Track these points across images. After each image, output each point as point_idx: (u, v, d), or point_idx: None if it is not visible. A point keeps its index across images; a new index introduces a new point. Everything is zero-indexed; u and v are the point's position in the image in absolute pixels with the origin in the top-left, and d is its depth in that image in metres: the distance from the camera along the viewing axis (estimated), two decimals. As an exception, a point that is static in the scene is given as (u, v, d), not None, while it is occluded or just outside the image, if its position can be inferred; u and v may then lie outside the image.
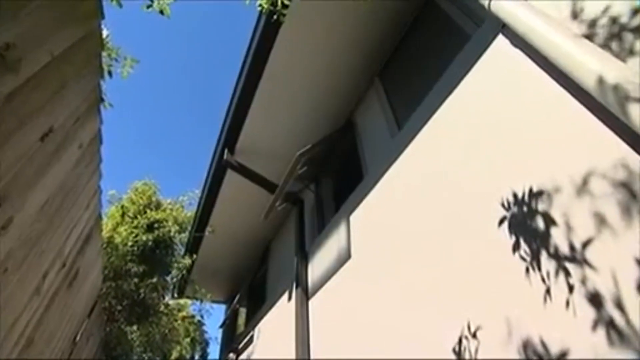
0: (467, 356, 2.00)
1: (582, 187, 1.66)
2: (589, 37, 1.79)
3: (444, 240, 2.46)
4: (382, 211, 3.36)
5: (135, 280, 5.63)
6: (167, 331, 6.59)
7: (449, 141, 2.67)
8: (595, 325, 1.49)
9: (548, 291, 1.69)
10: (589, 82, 1.59)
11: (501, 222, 2.02)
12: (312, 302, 4.20)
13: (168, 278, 6.40)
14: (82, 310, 3.58)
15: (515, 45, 2.21)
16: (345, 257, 3.68)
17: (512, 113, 2.18)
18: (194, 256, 6.55)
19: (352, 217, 3.84)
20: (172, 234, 6.28)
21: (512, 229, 1.96)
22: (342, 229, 3.94)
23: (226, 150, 5.07)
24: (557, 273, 1.68)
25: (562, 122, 1.86)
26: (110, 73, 2.52)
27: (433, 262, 2.52)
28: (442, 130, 2.80)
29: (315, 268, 4.37)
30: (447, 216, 2.50)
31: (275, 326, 5.10)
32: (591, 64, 1.60)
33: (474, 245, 2.19)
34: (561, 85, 1.88)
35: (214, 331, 14.03)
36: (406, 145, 3.17)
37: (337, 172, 5.33)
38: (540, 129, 1.97)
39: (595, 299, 1.52)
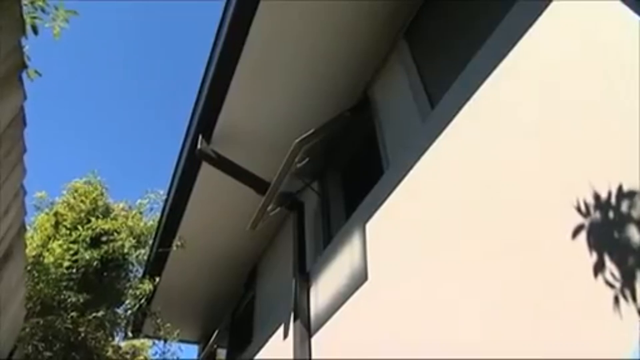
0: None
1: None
2: None
3: (495, 257, 2.42)
4: (410, 217, 3.34)
5: (73, 314, 5.58)
6: (116, 385, 6.54)
7: (503, 122, 2.64)
8: None
9: (650, 330, 1.62)
10: None
11: (576, 232, 1.97)
12: (316, 340, 4.19)
13: (120, 310, 6.37)
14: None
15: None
16: (360, 278, 3.68)
17: (597, 82, 2.11)
18: (157, 280, 6.51)
19: (369, 226, 3.84)
20: (126, 250, 6.26)
21: (592, 243, 1.90)
22: (355, 241, 3.94)
23: (200, 138, 5.03)
24: (662, 305, 1.60)
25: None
26: (35, 29, 2.45)
27: (479, 286, 2.48)
28: (493, 107, 2.76)
29: (320, 294, 4.36)
30: (499, 224, 2.47)
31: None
32: None
33: (538, 263, 2.14)
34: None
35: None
36: (442, 129, 3.16)
37: (348, 166, 5.32)
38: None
39: None
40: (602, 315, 1.77)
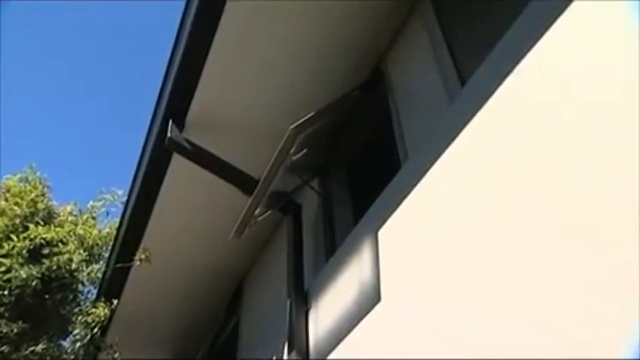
0: None
1: None
2: None
3: (543, 271, 2.40)
4: (433, 223, 3.34)
5: (5, 348, 5.57)
6: None
7: (554, 102, 2.62)
8: None
9: None
10: None
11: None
12: (316, 377, 4.20)
13: (66, 343, 6.37)
14: None
15: None
16: (371, 299, 3.69)
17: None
18: (114, 303, 6.50)
19: (382, 233, 3.84)
20: (74, 265, 6.23)
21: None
22: (365, 252, 3.96)
23: (170, 124, 5.04)
24: None
25: None
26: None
27: (525, 306, 2.45)
28: (541, 83, 2.74)
29: (322, 318, 4.39)
30: (549, 231, 2.44)
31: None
32: None
33: (599, 279, 2.11)
34: None
35: None
36: (475, 112, 3.13)
37: (356, 159, 5.36)
38: None
39: None
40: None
